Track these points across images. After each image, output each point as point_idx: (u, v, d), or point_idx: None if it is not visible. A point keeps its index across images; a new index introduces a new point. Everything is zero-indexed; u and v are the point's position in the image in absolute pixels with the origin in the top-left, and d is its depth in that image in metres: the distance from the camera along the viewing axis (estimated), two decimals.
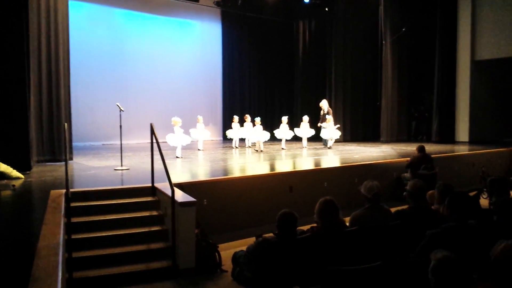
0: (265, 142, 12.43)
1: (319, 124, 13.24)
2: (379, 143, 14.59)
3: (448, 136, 14.50)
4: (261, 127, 12.25)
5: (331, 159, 10.40)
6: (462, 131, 14.63)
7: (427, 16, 15.08)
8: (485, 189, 6.97)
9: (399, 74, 15.15)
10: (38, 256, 3.34)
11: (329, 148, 12.99)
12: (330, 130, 13.22)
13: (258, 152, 11.75)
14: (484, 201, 6.53)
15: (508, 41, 13.63)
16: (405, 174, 8.91)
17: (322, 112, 13.28)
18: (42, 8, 9.00)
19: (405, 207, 4.48)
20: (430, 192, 5.25)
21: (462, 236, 3.38)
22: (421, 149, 8.92)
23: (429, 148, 11.87)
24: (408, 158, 9.07)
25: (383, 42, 14.65)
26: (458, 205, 3.56)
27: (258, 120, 12.38)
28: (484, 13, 14.13)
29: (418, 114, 16.55)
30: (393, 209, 4.51)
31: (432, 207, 4.53)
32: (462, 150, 12.20)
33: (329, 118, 13.33)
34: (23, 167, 7.62)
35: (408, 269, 3.20)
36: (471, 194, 6.31)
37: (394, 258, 3.28)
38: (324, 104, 13.37)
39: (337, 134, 13.38)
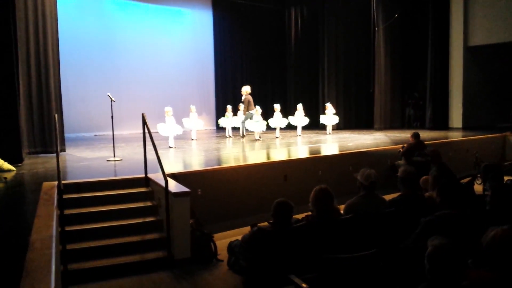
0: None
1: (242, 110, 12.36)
2: (373, 130, 14.60)
3: (441, 123, 14.53)
4: (260, 116, 12.22)
5: (325, 147, 10.40)
6: (456, 117, 14.67)
7: (420, 1, 15.00)
8: (479, 175, 7.00)
9: (392, 60, 15.11)
10: (31, 249, 3.30)
11: (329, 133, 13.34)
12: (329, 116, 13.43)
13: (255, 140, 11.71)
14: (478, 187, 6.56)
15: (501, 26, 13.61)
16: (400, 161, 8.92)
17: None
18: None
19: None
20: (423, 178, 5.26)
21: (456, 222, 3.39)
22: (416, 136, 8.93)
23: (423, 134, 11.88)
24: (404, 145, 9.08)
25: (376, 28, 14.57)
26: (449, 192, 3.56)
27: (258, 108, 12.33)
28: None
29: (412, 101, 16.56)
30: (387, 197, 4.52)
31: (426, 194, 4.54)
32: (456, 136, 12.24)
33: (328, 105, 13.57)
34: (14, 159, 7.52)
35: (402, 257, 3.21)
36: (465, 180, 6.34)
37: (389, 246, 3.29)
38: (243, 90, 12.26)
39: (335, 120, 13.61)
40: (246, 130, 12.37)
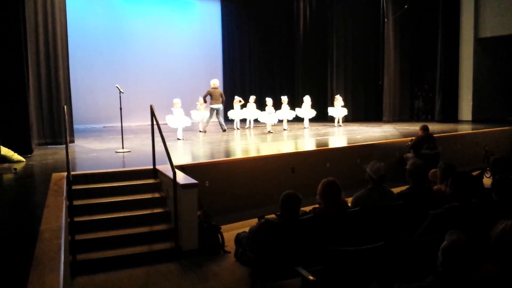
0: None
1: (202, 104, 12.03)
2: (382, 122, 14.51)
3: (451, 115, 14.39)
4: (272, 108, 12.17)
5: (334, 139, 10.36)
6: (465, 110, 14.51)
7: None
8: (488, 168, 6.94)
9: (401, 52, 14.95)
10: (40, 239, 3.33)
11: (337, 126, 13.29)
12: (338, 108, 13.37)
13: (267, 133, 11.65)
14: (487, 180, 6.50)
15: None
16: (408, 154, 8.86)
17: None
18: None
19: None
20: (432, 170, 5.22)
21: (465, 216, 3.36)
22: (425, 129, 8.86)
23: (432, 127, 11.77)
24: (413, 138, 9.02)
25: (385, 20, 14.42)
26: (461, 184, 3.53)
27: (269, 101, 12.26)
28: None
29: (421, 93, 16.41)
30: (395, 190, 4.49)
31: (435, 187, 4.51)
32: (465, 129, 12.14)
33: (338, 97, 13.45)
34: (24, 150, 7.60)
35: (410, 249, 3.20)
36: (474, 173, 6.29)
37: (397, 239, 3.28)
38: (210, 83, 12.08)
39: (344, 112, 13.52)
40: (205, 123, 12.03)
